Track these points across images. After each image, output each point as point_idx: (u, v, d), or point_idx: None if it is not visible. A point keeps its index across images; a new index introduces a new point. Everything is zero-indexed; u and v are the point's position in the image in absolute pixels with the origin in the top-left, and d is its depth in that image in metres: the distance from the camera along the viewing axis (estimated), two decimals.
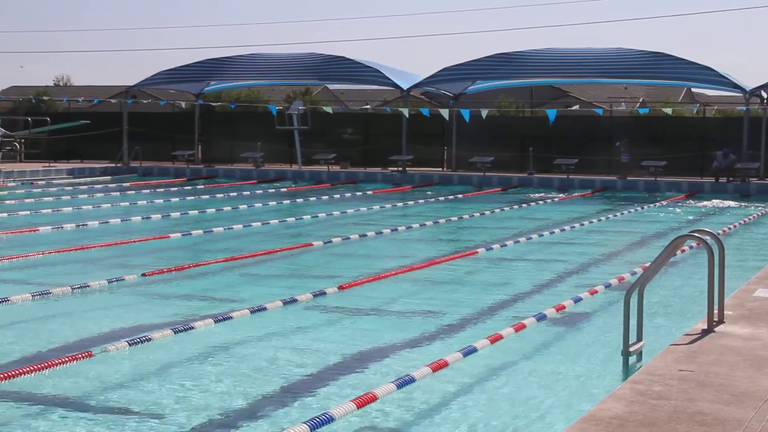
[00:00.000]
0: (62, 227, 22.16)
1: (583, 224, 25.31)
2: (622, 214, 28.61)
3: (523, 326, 12.15)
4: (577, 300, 14.01)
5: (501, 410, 8.98)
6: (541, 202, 32.44)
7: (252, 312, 12.88)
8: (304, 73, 47.60)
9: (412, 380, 9.45)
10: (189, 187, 36.69)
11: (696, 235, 10.62)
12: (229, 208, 28.21)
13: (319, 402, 9.10)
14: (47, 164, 43.93)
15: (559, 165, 41.38)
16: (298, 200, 31.45)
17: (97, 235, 21.29)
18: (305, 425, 7.94)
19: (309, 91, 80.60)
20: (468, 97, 48.46)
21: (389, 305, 14.28)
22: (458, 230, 24.75)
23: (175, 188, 36.12)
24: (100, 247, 19.20)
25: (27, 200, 29.36)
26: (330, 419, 8.18)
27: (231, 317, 12.51)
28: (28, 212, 25.49)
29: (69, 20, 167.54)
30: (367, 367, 10.46)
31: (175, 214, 25.89)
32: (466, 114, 41.11)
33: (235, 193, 33.65)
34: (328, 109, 43.42)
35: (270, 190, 35.25)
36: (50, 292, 13.98)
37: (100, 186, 36.70)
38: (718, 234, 11.01)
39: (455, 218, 26.52)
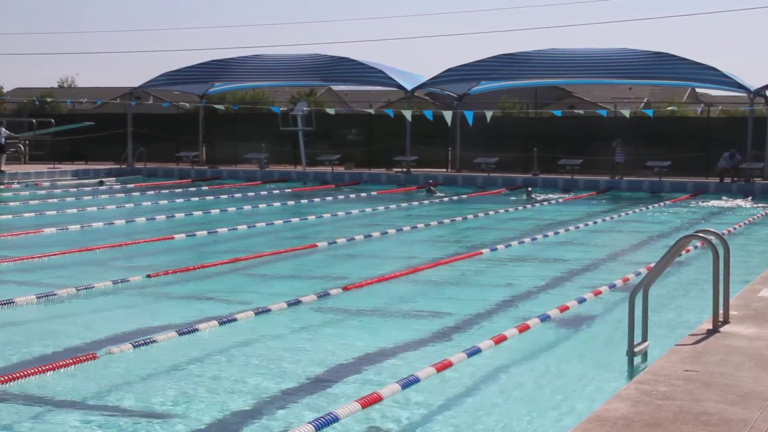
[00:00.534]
0: (67, 228, 22.17)
1: (587, 224, 25.30)
2: (626, 214, 28.59)
3: (528, 327, 12.13)
4: (582, 301, 13.99)
5: (505, 411, 8.97)
6: (545, 203, 32.42)
7: (256, 313, 12.86)
8: (308, 74, 47.60)
9: (416, 380, 9.43)
10: (193, 189, 36.69)
11: (701, 235, 10.61)
12: (233, 209, 28.21)
13: (324, 402, 9.09)
14: (52, 166, 43.98)
15: (563, 165, 41.37)
16: (302, 201, 31.45)
17: (101, 236, 21.29)
18: (310, 425, 7.93)
19: (313, 92, 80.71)
20: (472, 98, 48.45)
21: (393, 306, 14.27)
22: (463, 231, 24.73)
23: (180, 189, 36.12)
24: (104, 249, 19.20)
25: (31, 202, 29.37)
26: (335, 419, 8.17)
27: (235, 319, 12.50)
28: (33, 214, 25.51)
29: (73, 22, 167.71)
30: (371, 367, 10.45)
31: (179, 215, 25.89)
32: (469, 116, 41.08)
33: (239, 194, 33.65)
34: (331, 111, 43.36)
35: (275, 191, 35.24)
36: (55, 294, 13.97)
37: (104, 187, 36.69)
38: (723, 234, 10.99)
39: (460, 219, 26.50)
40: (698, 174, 40.44)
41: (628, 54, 42.46)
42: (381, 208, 29.36)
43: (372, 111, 44.50)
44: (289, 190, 36.32)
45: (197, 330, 11.80)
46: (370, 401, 8.69)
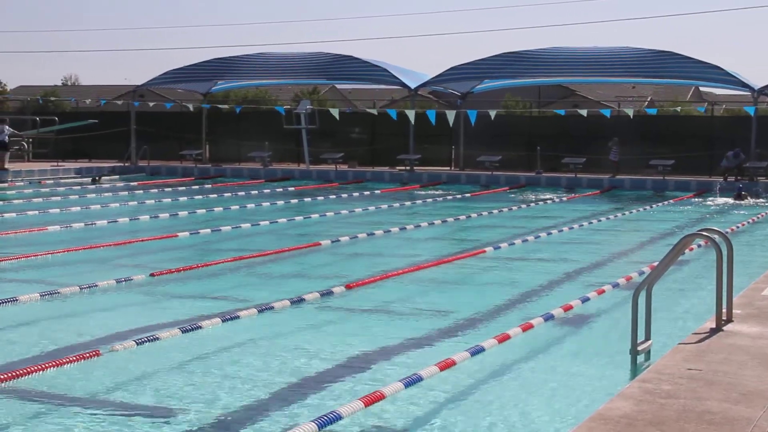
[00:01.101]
0: (70, 226, 22.18)
1: (591, 223, 25.29)
2: (630, 213, 28.58)
3: (531, 326, 12.13)
4: (585, 300, 13.98)
5: (509, 409, 8.97)
6: (548, 201, 32.42)
7: (259, 311, 12.87)
8: (311, 73, 47.54)
9: (419, 379, 9.44)
10: (197, 187, 36.71)
11: (704, 233, 10.60)
12: (236, 207, 28.22)
13: (326, 400, 9.10)
14: (55, 163, 43.99)
15: (567, 164, 41.36)
16: (305, 199, 31.45)
17: (105, 234, 21.31)
18: (313, 423, 7.94)
19: (317, 91, 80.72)
20: (476, 96, 48.44)
21: (397, 304, 14.27)
22: (466, 229, 24.72)
23: (183, 188, 36.13)
24: (108, 247, 19.22)
25: (35, 200, 29.40)
26: (338, 417, 8.18)
27: (238, 317, 12.51)
28: (36, 212, 25.52)
29: (76, 20, 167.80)
30: (374, 365, 10.45)
31: (183, 214, 25.90)
32: (472, 116, 41.08)
33: (242, 193, 33.65)
34: (335, 112, 43.34)
35: (278, 189, 35.23)
36: (58, 292, 13.99)
37: (108, 185, 36.71)
38: (727, 233, 11.00)
39: (463, 217, 26.50)
40: (702, 173, 40.43)
41: (632, 52, 42.41)
42: (384, 206, 29.36)
43: (375, 111, 44.39)
44: (293, 188, 36.28)
45: (200, 328, 11.81)
46: (372, 400, 8.70)
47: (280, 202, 30.13)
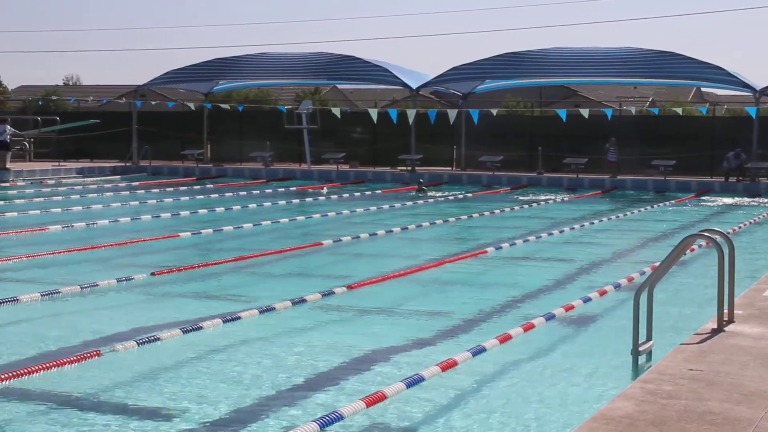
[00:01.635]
0: (72, 226, 22.19)
1: (592, 223, 25.29)
2: (631, 213, 28.58)
3: (533, 326, 12.12)
4: (587, 300, 13.98)
5: (510, 410, 8.96)
6: (550, 202, 32.42)
7: (261, 312, 12.86)
8: (313, 73, 47.55)
9: (421, 379, 9.43)
10: (198, 187, 36.71)
11: (706, 234, 10.59)
12: (238, 207, 28.22)
13: (328, 400, 9.09)
14: (57, 163, 43.99)
15: (568, 164, 41.36)
16: (307, 199, 31.45)
17: (106, 234, 21.31)
18: (315, 423, 7.93)
19: (318, 91, 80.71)
20: (477, 97, 48.47)
21: (398, 305, 14.27)
22: (467, 229, 24.72)
23: (185, 187, 36.14)
24: (109, 247, 19.22)
25: (36, 199, 29.40)
26: (339, 417, 8.17)
27: (240, 317, 12.50)
28: (38, 211, 25.53)
29: (78, 20, 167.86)
30: (376, 366, 10.44)
31: (184, 213, 25.91)
32: (474, 114, 41.11)
33: (244, 193, 33.65)
34: (336, 112, 43.34)
35: (280, 189, 35.22)
36: (59, 292, 13.98)
37: (109, 185, 36.73)
38: (728, 233, 10.99)
39: (465, 217, 26.49)
40: (703, 173, 40.44)
41: (634, 53, 42.42)
42: (386, 206, 29.35)
43: (375, 110, 44.34)
44: (294, 188, 36.26)
45: (201, 328, 11.81)
46: (374, 400, 8.69)
47: (282, 202, 30.12)
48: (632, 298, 9.86)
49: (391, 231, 22.66)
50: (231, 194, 33.04)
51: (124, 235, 21.05)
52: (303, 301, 13.71)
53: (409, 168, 42.74)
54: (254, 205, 28.92)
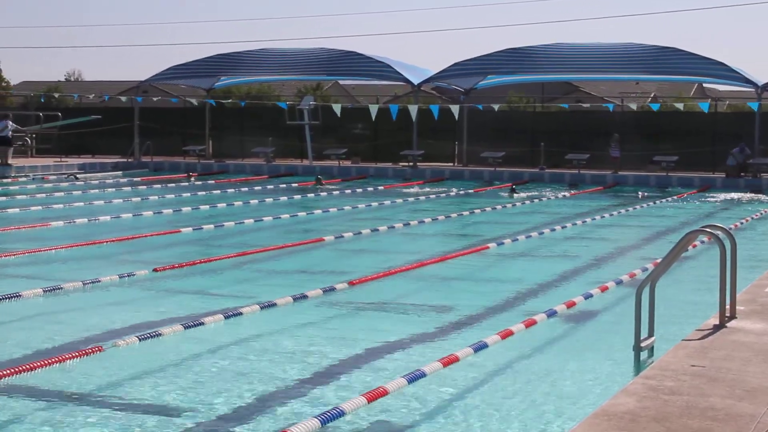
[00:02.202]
0: (73, 222, 22.18)
1: (594, 219, 25.29)
2: (633, 209, 28.57)
3: (534, 322, 12.11)
4: (588, 296, 13.96)
5: (512, 405, 8.96)
6: (552, 197, 32.40)
7: (262, 308, 12.86)
8: (314, 69, 47.54)
9: (422, 375, 9.42)
10: (200, 183, 36.70)
11: (708, 230, 10.59)
12: (240, 203, 28.21)
13: (329, 396, 9.09)
14: (58, 159, 43.99)
15: (570, 160, 41.35)
16: (308, 195, 31.45)
17: (108, 229, 21.31)
18: (316, 419, 7.93)
19: (320, 86, 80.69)
20: (479, 92, 48.43)
21: (400, 301, 14.26)
22: (469, 225, 24.72)
23: (186, 183, 36.14)
24: (111, 242, 19.22)
25: (38, 195, 29.42)
26: (341, 413, 8.17)
27: (241, 313, 12.50)
28: (40, 207, 25.53)
29: (80, 16, 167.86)
30: (377, 361, 10.44)
31: (186, 209, 25.91)
32: (479, 107, 41.12)
33: (246, 188, 33.65)
34: (337, 108, 43.30)
35: (281, 185, 35.23)
36: (61, 287, 13.98)
37: (111, 181, 36.72)
38: (730, 229, 10.98)
39: (466, 213, 26.48)
40: (705, 169, 40.43)
41: (635, 49, 42.38)
42: (387, 202, 29.34)
43: (376, 107, 44.29)
44: (296, 184, 36.25)
45: (203, 324, 11.80)
46: (375, 395, 8.69)
47: (283, 198, 30.12)
48: (634, 294, 9.85)
49: (393, 227, 22.65)
50: (233, 190, 33.03)
51: (126, 231, 21.05)
52: (304, 297, 13.70)
53: (411, 164, 42.72)
54: (256, 200, 28.91)
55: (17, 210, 24.93)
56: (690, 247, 16.71)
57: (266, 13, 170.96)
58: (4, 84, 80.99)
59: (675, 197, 32.76)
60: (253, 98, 63.04)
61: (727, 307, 10.51)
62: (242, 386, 9.45)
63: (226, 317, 12.23)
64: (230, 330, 11.82)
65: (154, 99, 51.24)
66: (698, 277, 16.31)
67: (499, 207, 28.23)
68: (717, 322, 10.32)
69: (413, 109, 41.73)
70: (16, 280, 14.92)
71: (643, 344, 9.94)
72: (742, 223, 23.86)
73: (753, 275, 14.45)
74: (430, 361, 9.90)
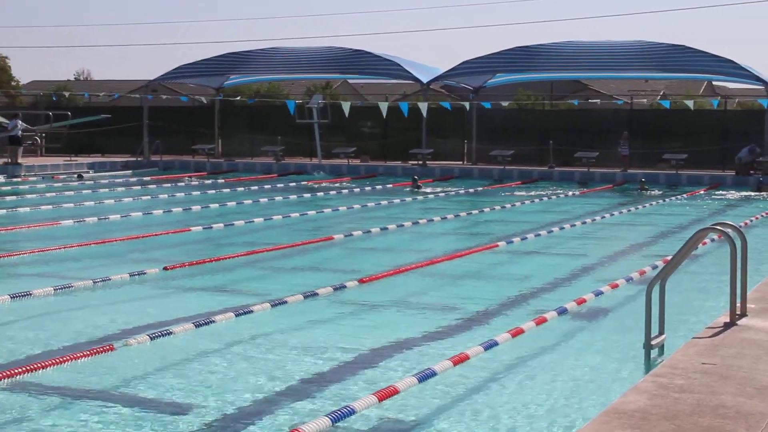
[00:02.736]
0: (83, 221, 22.22)
1: (603, 217, 25.28)
2: (643, 207, 28.54)
3: (544, 320, 12.12)
4: (598, 294, 13.97)
5: (523, 404, 8.96)
6: (561, 196, 32.39)
7: (273, 305, 12.88)
8: (323, 67, 47.58)
9: (433, 374, 9.43)
10: (209, 181, 36.73)
11: (718, 228, 10.57)
12: (249, 201, 28.23)
13: (340, 395, 9.10)
14: (68, 158, 44.05)
15: (579, 158, 41.31)
16: (318, 194, 31.47)
17: (118, 228, 21.35)
18: (327, 418, 7.94)
19: (329, 85, 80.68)
20: (488, 91, 48.40)
21: (410, 299, 14.27)
22: (478, 224, 24.71)
23: (196, 182, 36.18)
24: (121, 241, 19.26)
25: (48, 194, 29.47)
26: (351, 412, 8.18)
27: (252, 311, 12.52)
28: (50, 206, 25.58)
29: (89, 15, 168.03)
30: (388, 360, 10.45)
31: (195, 208, 25.95)
32: (487, 106, 41.09)
33: (255, 187, 33.68)
34: (346, 106, 43.27)
35: (291, 184, 35.25)
36: (72, 286, 14.02)
37: (121, 180, 36.78)
38: (740, 227, 10.96)
39: (476, 212, 26.48)
40: (715, 167, 40.36)
41: (645, 47, 42.31)
42: (397, 200, 29.35)
43: (385, 104, 44.24)
44: (306, 183, 36.25)
45: (214, 322, 11.83)
46: (386, 394, 8.70)
47: (293, 197, 30.15)
48: (644, 291, 9.85)
49: (402, 225, 22.66)
50: (242, 189, 33.06)
51: (136, 229, 21.09)
52: (315, 294, 13.72)
53: (420, 162, 42.71)
54: (265, 199, 28.94)
55: (27, 209, 24.99)
56: (700, 245, 16.70)
57: (276, 12, 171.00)
58: (13, 83, 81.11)
59: (685, 195, 32.72)
60: (263, 97, 63.09)
61: (738, 304, 10.50)
62: (253, 384, 9.47)
63: (237, 315, 12.25)
64: (241, 328, 11.84)
65: (164, 97, 51.24)
66: (708, 274, 16.30)
67: (508, 205, 28.22)
68: (727, 320, 10.30)
69: (423, 107, 41.72)
70: (27, 279, 14.96)
71: (653, 342, 9.94)
72: (752, 221, 23.83)
73: (763, 273, 14.45)
74: (441, 360, 9.91)
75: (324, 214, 25.53)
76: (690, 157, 39.72)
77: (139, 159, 45.51)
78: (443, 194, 32.14)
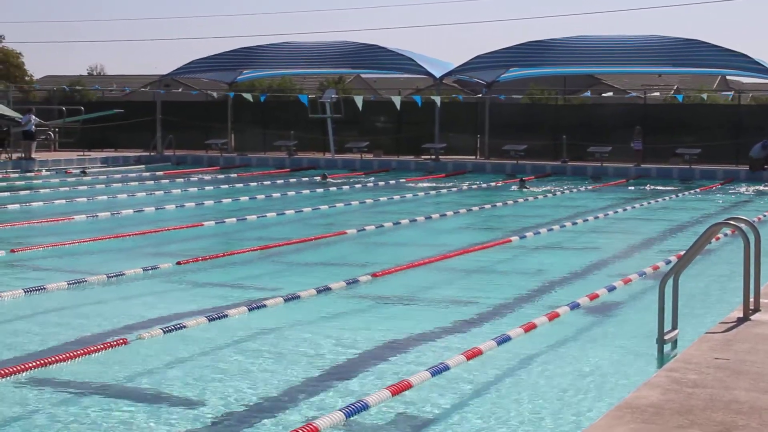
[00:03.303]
0: (97, 216, 22.27)
1: (617, 212, 25.24)
2: (656, 201, 28.49)
3: (557, 315, 12.11)
4: (611, 288, 13.95)
5: (535, 398, 8.96)
6: (574, 190, 32.35)
7: (286, 300, 12.89)
8: (337, 62, 47.60)
9: (446, 368, 9.44)
10: (222, 176, 36.77)
11: (731, 222, 10.55)
12: (262, 196, 28.26)
13: (353, 389, 9.11)
14: (81, 153, 44.16)
15: (592, 153, 41.25)
16: (331, 189, 31.48)
17: (131, 223, 21.39)
18: (340, 412, 7.95)
19: (342, 80, 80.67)
20: (501, 85, 48.39)
21: (423, 293, 14.28)
22: (491, 218, 24.70)
23: (209, 177, 36.23)
24: (134, 236, 19.30)
25: (62, 189, 29.53)
26: (365, 406, 8.18)
27: (265, 305, 12.53)
28: (63, 201, 25.64)
29: (102, 10, 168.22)
30: (401, 354, 10.45)
31: (208, 203, 25.98)
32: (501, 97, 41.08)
33: (268, 182, 33.69)
34: (358, 100, 43.28)
35: (304, 179, 35.27)
36: (86, 280, 14.05)
37: (134, 175, 36.85)
38: (754, 221, 10.94)
39: (488, 206, 26.47)
40: (728, 161, 40.28)
41: (658, 41, 42.26)
42: (409, 195, 29.35)
43: (399, 98, 44.20)
44: (319, 178, 36.25)
45: (227, 316, 11.84)
46: (400, 389, 8.70)
47: (306, 191, 30.17)
48: (657, 286, 9.83)
49: (415, 220, 22.66)
50: (255, 184, 33.08)
51: (149, 224, 21.12)
52: (328, 289, 13.73)
53: (433, 157, 42.71)
54: (278, 194, 28.96)
55: (41, 204, 25.05)
56: (713, 240, 16.68)
57: (288, 7, 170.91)
58: (27, 78, 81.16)
59: (698, 190, 32.66)
60: (275, 92, 63.12)
61: (751, 299, 10.48)
62: (266, 378, 9.48)
63: (250, 309, 12.27)
64: (254, 322, 11.85)
65: (175, 91, 51.29)
66: (722, 269, 16.26)
67: (521, 200, 28.20)
68: (741, 315, 10.28)
69: (437, 100, 41.69)
70: (41, 273, 15.02)
71: (666, 337, 9.92)
72: (765, 216, 23.75)
73: None
74: (454, 354, 9.91)
75: (336, 208, 25.53)
76: (703, 152, 39.64)
77: (152, 154, 45.61)
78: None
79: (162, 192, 29.46)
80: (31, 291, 13.19)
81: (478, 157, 45.26)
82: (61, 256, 17.02)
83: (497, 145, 43.72)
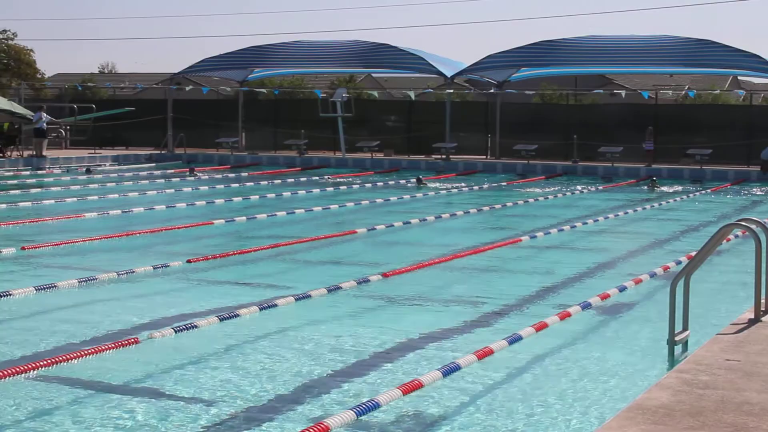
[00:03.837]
0: (107, 213, 22.30)
1: (627, 212, 25.21)
2: (667, 202, 28.45)
3: (568, 314, 12.10)
4: (622, 289, 13.94)
5: (546, 399, 8.95)
6: (585, 191, 32.33)
7: (296, 299, 12.91)
8: (348, 61, 47.59)
9: (457, 368, 9.44)
10: (233, 175, 36.79)
11: (743, 223, 10.54)
12: (272, 195, 28.28)
13: (364, 388, 9.11)
14: (92, 151, 44.24)
15: (603, 153, 41.21)
16: (341, 188, 31.49)
17: (142, 221, 21.42)
18: (351, 411, 7.95)
19: (353, 79, 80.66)
20: (512, 85, 48.34)
21: (433, 293, 14.27)
22: (502, 218, 24.68)
23: (219, 175, 36.24)
24: (145, 234, 19.32)
25: (73, 187, 29.58)
26: (376, 405, 8.19)
27: (276, 304, 12.54)
28: (74, 199, 25.68)
29: (113, 8, 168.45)
30: (412, 354, 10.45)
31: (219, 201, 26.00)
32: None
33: (278, 181, 33.71)
34: (374, 94, 43.27)
35: (314, 177, 35.29)
36: (96, 278, 14.08)
37: (145, 173, 36.90)
38: (765, 222, 10.90)
39: (499, 206, 26.46)
40: (740, 162, 40.20)
41: (670, 41, 42.19)
42: (419, 195, 29.35)
43: (412, 96, 44.17)
44: (328, 177, 36.28)
45: (238, 315, 11.85)
46: (411, 388, 8.71)
47: (316, 190, 30.17)
48: (668, 287, 9.82)
49: (425, 220, 22.66)
50: (266, 182, 33.09)
51: (160, 222, 21.16)
52: (338, 288, 13.74)
53: (444, 156, 42.70)
54: (289, 193, 28.98)
55: (52, 201, 25.10)
56: (724, 241, 16.64)
57: (299, 5, 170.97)
58: (38, 76, 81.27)
59: (709, 190, 32.61)
60: (287, 90, 63.14)
61: (762, 301, 10.47)
62: (277, 377, 9.49)
63: (261, 308, 12.28)
64: (265, 321, 11.87)
65: (187, 89, 51.34)
66: (733, 271, 16.23)
67: (531, 200, 28.19)
68: (752, 316, 10.27)
69: (448, 94, 41.67)
70: (51, 271, 15.04)
71: (677, 338, 9.91)
72: None
73: None
74: (465, 354, 9.91)
75: (347, 208, 25.53)
76: (715, 153, 39.57)
77: (163, 152, 45.66)
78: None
79: (173, 190, 29.47)
80: (42, 288, 13.22)
81: (488, 156, 45.24)
82: (72, 253, 17.06)
83: (508, 145, 43.70)
